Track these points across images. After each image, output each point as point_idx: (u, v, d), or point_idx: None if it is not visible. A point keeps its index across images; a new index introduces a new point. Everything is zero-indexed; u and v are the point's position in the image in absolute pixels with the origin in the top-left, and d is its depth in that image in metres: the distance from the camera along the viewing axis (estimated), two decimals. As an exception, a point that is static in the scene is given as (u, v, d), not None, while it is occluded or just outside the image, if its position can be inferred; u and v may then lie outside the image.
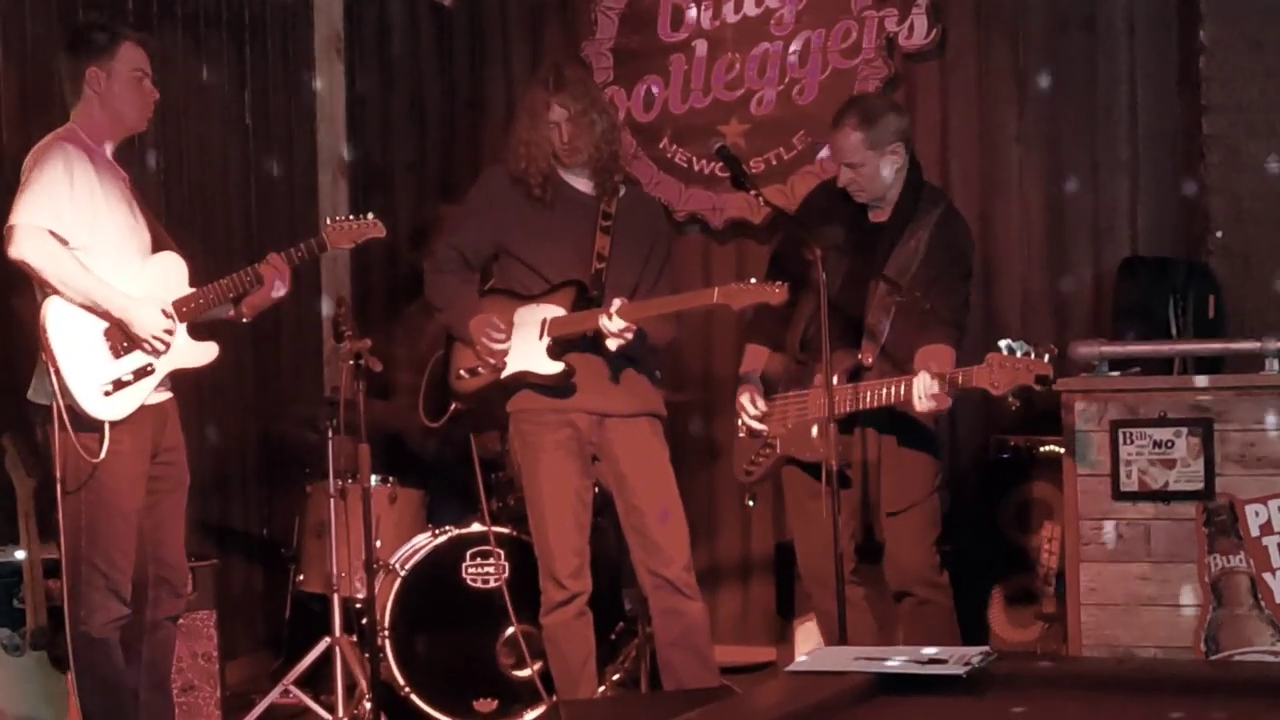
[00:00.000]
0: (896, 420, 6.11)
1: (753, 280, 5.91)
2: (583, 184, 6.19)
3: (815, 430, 6.02)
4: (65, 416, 5.61)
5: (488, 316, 6.10)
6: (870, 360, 6.09)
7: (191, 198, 7.82)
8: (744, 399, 6.31)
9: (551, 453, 6.12)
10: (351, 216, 6.20)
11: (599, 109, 6.18)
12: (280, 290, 6.01)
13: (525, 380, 6.12)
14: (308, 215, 8.44)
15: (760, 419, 6.26)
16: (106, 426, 5.67)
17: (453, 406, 6.55)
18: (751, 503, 6.71)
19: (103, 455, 5.65)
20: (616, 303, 5.97)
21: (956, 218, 6.34)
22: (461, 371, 6.23)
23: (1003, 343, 5.64)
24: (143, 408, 5.78)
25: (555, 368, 6.09)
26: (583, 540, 6.16)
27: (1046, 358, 5.59)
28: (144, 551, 5.87)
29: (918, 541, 6.22)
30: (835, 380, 5.98)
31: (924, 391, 5.80)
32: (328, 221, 6.19)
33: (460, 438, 6.95)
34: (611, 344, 5.98)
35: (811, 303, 5.94)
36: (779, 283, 5.85)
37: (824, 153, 7.55)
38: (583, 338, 6.04)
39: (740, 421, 6.36)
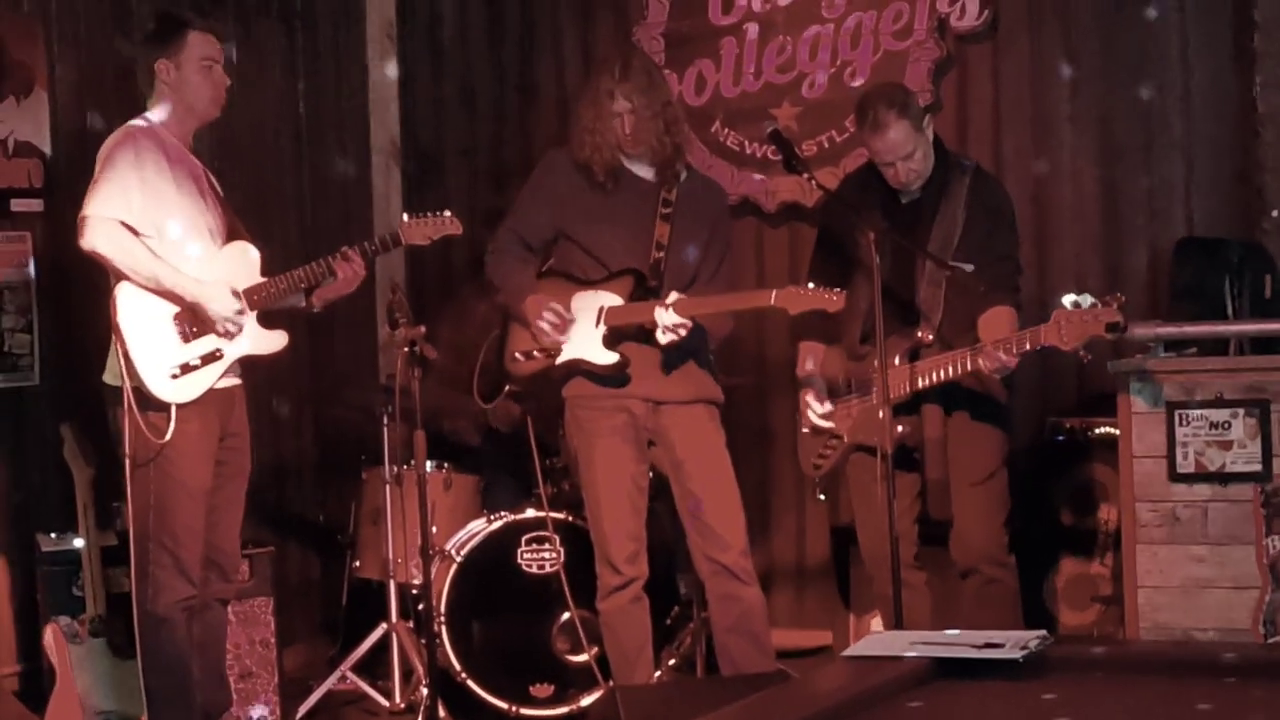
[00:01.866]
0: (965, 394, 6.11)
1: (810, 286, 5.89)
2: (644, 171, 6.17)
3: (882, 415, 6.04)
4: (133, 398, 5.67)
5: (544, 298, 6.09)
6: (930, 338, 6.09)
7: (246, 186, 7.82)
8: (808, 398, 6.31)
9: (607, 438, 6.12)
10: (429, 214, 6.19)
11: (663, 101, 6.14)
12: (353, 284, 6.06)
13: (579, 368, 6.12)
14: (361, 203, 8.47)
15: (826, 417, 6.27)
16: (173, 408, 5.72)
17: (506, 388, 6.56)
18: (823, 497, 6.69)
19: (168, 436, 5.70)
20: (673, 296, 5.97)
21: (988, 179, 6.37)
22: (517, 354, 6.23)
23: (1066, 298, 5.65)
24: (211, 391, 5.83)
25: (610, 358, 6.09)
26: (638, 525, 6.16)
27: (1115, 306, 5.58)
28: None
29: (988, 519, 6.21)
30: (896, 361, 5.98)
31: (987, 363, 5.81)
32: (405, 217, 6.20)
33: (516, 423, 6.98)
34: (663, 337, 5.99)
35: (866, 294, 5.92)
36: (836, 290, 5.84)
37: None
38: (639, 329, 6.04)
39: (804, 419, 6.36)
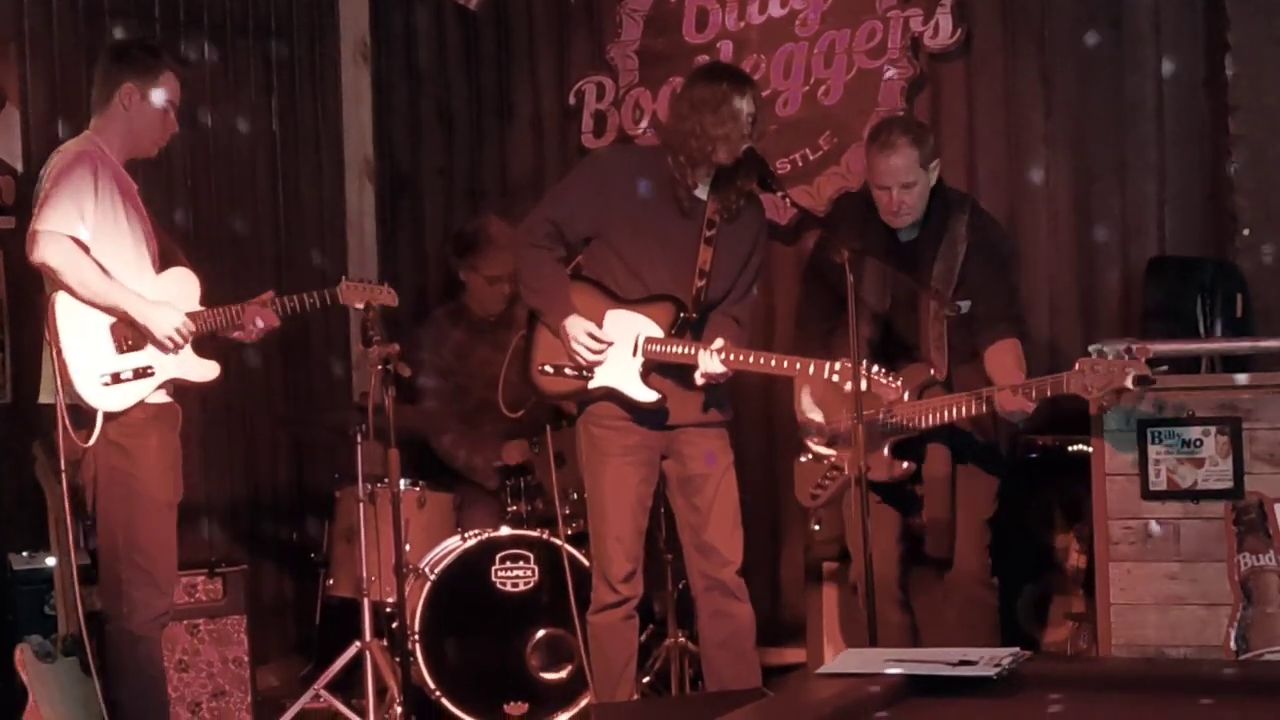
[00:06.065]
0: (970, 435, 6.16)
1: (876, 369, 5.70)
2: (702, 190, 6.05)
3: (886, 449, 6.06)
4: (67, 419, 5.68)
5: (585, 321, 5.99)
6: (941, 375, 6.08)
7: (220, 203, 7.85)
8: (812, 445, 6.30)
9: (619, 459, 6.06)
10: (368, 281, 6.35)
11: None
12: (256, 331, 6.11)
13: (612, 397, 6.04)
14: (335, 220, 8.45)
15: (826, 435, 6.25)
16: (100, 415, 5.71)
17: (531, 400, 6.50)
18: (817, 527, 6.66)
19: (91, 442, 5.71)
20: (718, 343, 5.89)
21: (985, 216, 6.38)
22: (547, 367, 6.11)
23: (1092, 347, 5.64)
24: (163, 406, 5.83)
25: (650, 396, 6.00)
26: (639, 547, 6.12)
27: (1144, 359, 5.55)
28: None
29: (974, 547, 6.27)
30: (906, 396, 5.93)
31: (1006, 403, 5.82)
32: (344, 279, 6.29)
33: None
34: (700, 380, 5.93)
35: (864, 320, 5.90)
36: (898, 382, 5.71)
37: (849, 154, 7.59)
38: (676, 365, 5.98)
39: (805, 442, 6.35)
